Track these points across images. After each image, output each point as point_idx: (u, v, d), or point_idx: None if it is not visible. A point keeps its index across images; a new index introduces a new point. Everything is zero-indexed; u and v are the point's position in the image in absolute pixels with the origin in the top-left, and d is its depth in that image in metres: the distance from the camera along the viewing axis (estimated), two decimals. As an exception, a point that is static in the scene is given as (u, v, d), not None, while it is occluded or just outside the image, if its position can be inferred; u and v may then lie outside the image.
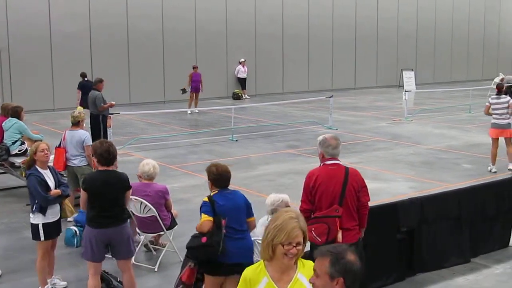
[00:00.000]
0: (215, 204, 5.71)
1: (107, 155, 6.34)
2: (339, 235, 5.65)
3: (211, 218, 5.66)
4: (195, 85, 23.52)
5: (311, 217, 5.77)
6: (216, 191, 5.86)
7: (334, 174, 5.80)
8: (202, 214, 5.73)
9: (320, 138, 6.06)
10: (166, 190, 7.99)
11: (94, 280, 6.40)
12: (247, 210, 5.87)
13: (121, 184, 6.41)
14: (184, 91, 23.46)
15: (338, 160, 5.95)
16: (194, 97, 23.70)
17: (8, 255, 8.42)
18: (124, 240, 6.43)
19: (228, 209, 5.70)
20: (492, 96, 13.46)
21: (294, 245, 3.47)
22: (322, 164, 5.94)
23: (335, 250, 3.06)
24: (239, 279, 5.83)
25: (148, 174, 7.96)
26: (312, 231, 5.64)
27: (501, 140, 13.09)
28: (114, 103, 14.85)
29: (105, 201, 6.26)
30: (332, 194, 5.71)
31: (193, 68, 24.10)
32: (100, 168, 6.41)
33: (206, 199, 5.80)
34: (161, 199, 7.92)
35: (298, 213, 3.63)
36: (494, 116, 13.01)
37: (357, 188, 5.82)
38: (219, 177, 5.89)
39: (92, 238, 6.27)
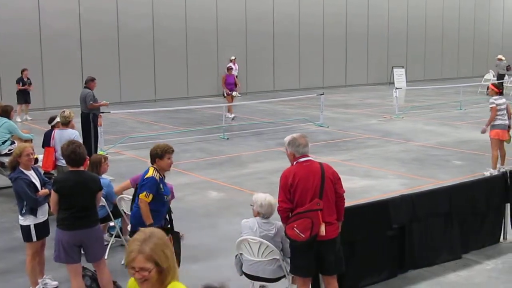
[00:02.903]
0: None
1: (74, 156, 6.26)
2: (322, 228, 5.66)
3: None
4: (230, 87, 21.90)
5: (292, 215, 5.76)
6: None
7: (311, 169, 5.84)
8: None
9: (288, 138, 6.05)
10: (172, 192, 7.91)
11: (77, 282, 6.34)
12: (140, 187, 6.67)
13: (92, 185, 6.33)
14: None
15: (309, 156, 5.97)
16: (231, 100, 21.97)
17: (-2, 255, 8.38)
18: (96, 242, 6.38)
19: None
20: (494, 97, 12.75)
21: (137, 269, 3.06)
22: (295, 162, 5.95)
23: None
24: None
25: None
26: (295, 228, 5.65)
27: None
28: (107, 102, 14.74)
29: (77, 202, 6.18)
30: (313, 189, 5.73)
31: (227, 70, 22.50)
32: (71, 169, 6.36)
33: None
34: None
35: (151, 234, 3.15)
36: (499, 117, 12.43)
37: (333, 180, 5.87)
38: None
39: (64, 240, 6.18)
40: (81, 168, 6.36)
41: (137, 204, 6.67)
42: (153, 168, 6.67)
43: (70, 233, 6.18)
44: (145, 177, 6.59)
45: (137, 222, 6.58)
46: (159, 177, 6.63)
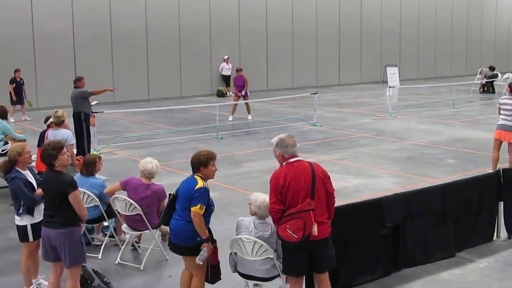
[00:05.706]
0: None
1: (43, 158, 6.23)
2: (315, 228, 5.65)
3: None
4: (238, 90, 21.02)
5: (284, 216, 5.74)
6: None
7: (301, 169, 5.82)
8: None
9: (275, 140, 6.00)
10: (163, 192, 7.91)
11: (51, 277, 6.50)
12: (189, 199, 6.13)
13: (55, 186, 6.13)
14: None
15: (298, 156, 5.97)
16: (237, 103, 21.11)
17: (-8, 256, 8.35)
18: (65, 246, 6.16)
19: (179, 191, 6.31)
20: (503, 96, 12.55)
21: None
22: (285, 163, 5.93)
23: None
24: (189, 260, 6.24)
25: (149, 172, 7.96)
26: (287, 229, 5.63)
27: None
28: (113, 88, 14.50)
29: (46, 200, 6.27)
30: (304, 189, 5.72)
31: (237, 71, 21.73)
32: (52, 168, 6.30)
33: None
34: (155, 202, 7.95)
35: None
36: (502, 116, 12.05)
37: (324, 179, 5.86)
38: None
39: (42, 235, 6.33)
40: (57, 169, 6.20)
41: (180, 217, 6.26)
42: (199, 177, 6.23)
43: (42, 229, 6.29)
44: (196, 187, 6.10)
45: (177, 234, 6.27)
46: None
